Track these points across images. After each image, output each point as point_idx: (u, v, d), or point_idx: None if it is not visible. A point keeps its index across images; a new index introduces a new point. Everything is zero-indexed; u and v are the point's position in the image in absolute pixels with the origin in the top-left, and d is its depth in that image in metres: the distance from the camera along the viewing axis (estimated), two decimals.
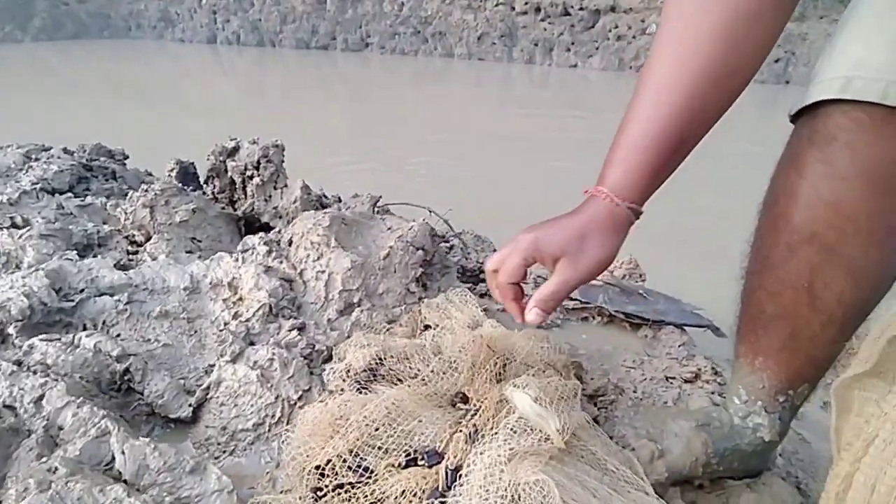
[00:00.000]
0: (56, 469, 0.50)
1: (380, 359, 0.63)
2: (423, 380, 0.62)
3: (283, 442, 0.65)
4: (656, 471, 0.64)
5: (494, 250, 1.53)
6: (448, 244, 1.42)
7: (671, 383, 1.01)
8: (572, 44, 6.95)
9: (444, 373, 0.64)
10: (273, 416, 0.66)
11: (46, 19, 8.25)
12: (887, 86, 0.46)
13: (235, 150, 1.20)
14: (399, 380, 0.62)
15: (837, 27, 0.54)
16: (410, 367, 0.63)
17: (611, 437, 0.72)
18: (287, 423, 0.66)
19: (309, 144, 3.35)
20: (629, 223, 0.57)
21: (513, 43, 7.17)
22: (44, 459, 0.52)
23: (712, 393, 0.98)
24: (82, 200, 1.19)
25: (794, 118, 0.57)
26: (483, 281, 1.35)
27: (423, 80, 6.41)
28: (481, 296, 1.28)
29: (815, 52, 5.70)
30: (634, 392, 0.93)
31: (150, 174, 1.64)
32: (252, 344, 0.76)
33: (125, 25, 8.57)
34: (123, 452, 0.53)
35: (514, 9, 7.05)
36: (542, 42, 7.03)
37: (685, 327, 1.22)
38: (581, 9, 6.80)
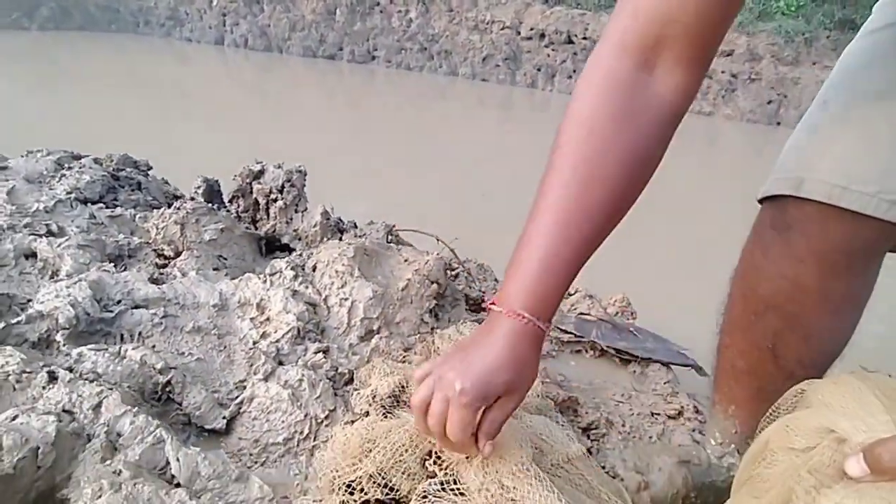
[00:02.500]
0: (120, 472, 0.57)
1: (402, 386, 0.71)
2: None
3: (312, 457, 0.72)
4: (642, 501, 0.72)
5: (496, 280, 1.61)
6: (454, 272, 1.50)
7: (656, 419, 1.10)
8: (574, 71, 7.14)
9: None
10: (302, 432, 0.73)
11: (55, 9, 8.29)
12: (831, 188, 0.57)
13: (261, 172, 1.27)
14: None
15: (800, 123, 0.65)
16: None
17: (602, 468, 0.80)
18: (314, 440, 0.73)
19: (312, 154, 3.42)
20: (542, 339, 0.56)
21: (516, 66, 7.34)
22: (107, 462, 0.59)
23: (693, 430, 1.07)
24: (112, 211, 1.26)
25: (761, 200, 0.67)
26: (485, 310, 1.44)
27: (427, 97, 6.54)
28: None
29: (806, 96, 5.94)
30: (623, 426, 1.01)
31: (167, 182, 1.71)
32: (281, 363, 0.83)
33: (133, 21, 8.63)
34: (178, 459, 0.60)
35: (519, 33, 7.24)
36: (545, 67, 7.21)
37: (671, 365, 1.31)
38: (584, 38, 7.00)
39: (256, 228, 1.29)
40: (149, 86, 5.45)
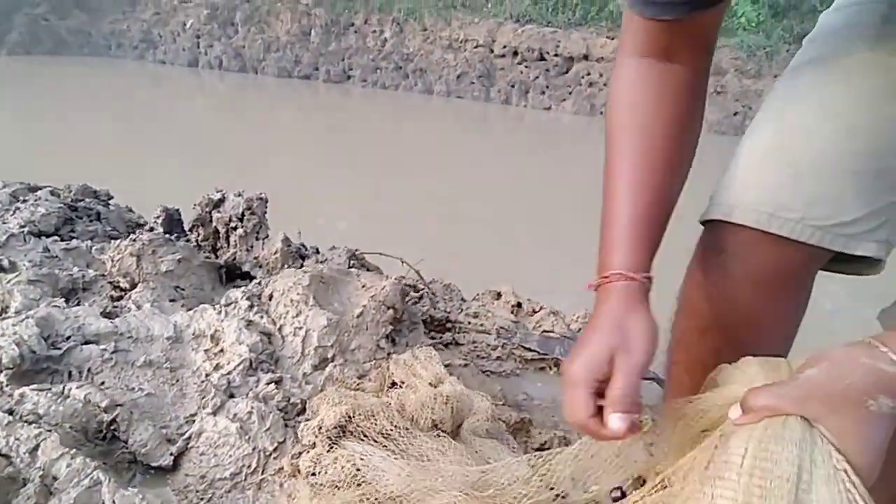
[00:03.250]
0: None
1: (349, 416, 0.71)
2: (387, 436, 0.70)
3: (259, 490, 0.71)
4: None
5: (463, 300, 1.63)
6: (418, 293, 1.51)
7: None
8: (547, 87, 7.29)
9: (408, 430, 0.72)
10: (249, 466, 0.73)
11: (24, 33, 8.20)
12: (759, 215, 0.60)
13: (221, 201, 1.27)
14: (365, 436, 0.70)
15: (736, 151, 0.68)
16: (376, 424, 0.71)
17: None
18: (262, 473, 0.73)
19: (289, 174, 3.42)
20: (646, 291, 0.57)
21: (490, 83, 7.46)
22: None
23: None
24: (67, 243, 1.24)
25: (702, 222, 0.70)
26: (449, 330, 1.45)
27: (404, 115, 6.60)
28: (447, 345, 1.37)
29: None
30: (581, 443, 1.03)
31: (131, 210, 1.69)
32: (232, 396, 0.83)
33: (105, 44, 8.57)
34: (114, 502, 0.59)
35: (492, 51, 7.37)
36: (519, 84, 7.34)
37: None
38: (556, 55, 7.16)
39: (217, 257, 1.28)
40: (121, 109, 5.41)
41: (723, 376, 0.55)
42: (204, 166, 3.31)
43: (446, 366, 1.03)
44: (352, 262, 1.32)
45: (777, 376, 0.48)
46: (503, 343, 1.40)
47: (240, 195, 1.28)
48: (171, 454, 0.75)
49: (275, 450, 0.74)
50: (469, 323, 1.46)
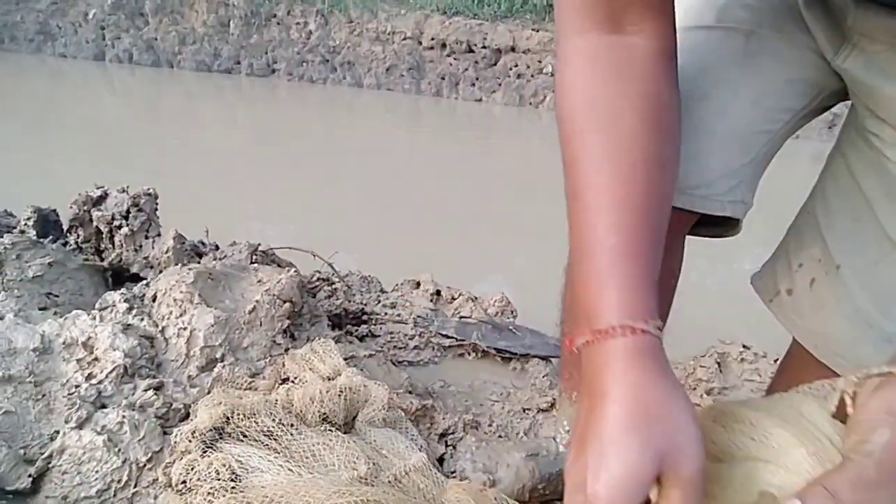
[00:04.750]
0: None
1: (227, 417, 0.67)
2: (270, 434, 0.66)
3: None
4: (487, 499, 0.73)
5: (382, 291, 1.60)
6: (332, 286, 1.47)
7: (527, 414, 1.13)
8: (477, 79, 7.34)
9: (293, 426, 0.69)
10: (119, 480, 0.67)
11: None
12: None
13: (102, 198, 1.17)
14: (245, 436, 0.66)
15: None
16: (257, 424, 0.67)
17: (453, 472, 0.80)
18: (135, 487, 0.67)
19: (209, 176, 3.24)
20: (662, 346, 0.39)
21: (421, 76, 7.42)
22: None
23: (564, 420, 1.11)
24: None
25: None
26: (365, 322, 1.41)
27: (333, 108, 6.44)
28: (362, 338, 1.34)
29: None
30: (490, 425, 1.03)
31: (11, 215, 1.53)
32: (104, 407, 0.76)
33: None
34: None
35: (420, 43, 7.33)
36: (449, 76, 7.35)
37: (550, 359, 1.36)
38: (483, 47, 7.22)
39: (102, 260, 1.18)
40: (15, 106, 4.92)
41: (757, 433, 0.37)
42: (119, 168, 3.05)
43: (351, 357, 1.00)
44: (255, 257, 1.26)
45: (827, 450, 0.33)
46: (420, 332, 1.39)
47: (124, 191, 1.18)
48: (30, 475, 0.68)
49: (149, 460, 0.69)
50: (385, 314, 1.43)
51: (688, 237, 0.69)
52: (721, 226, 0.67)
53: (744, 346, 1.50)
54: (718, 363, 1.45)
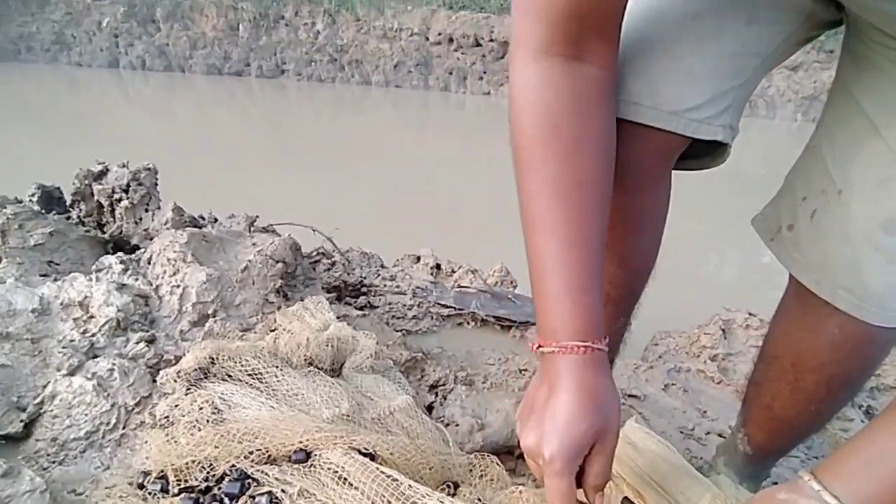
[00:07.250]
0: None
1: (212, 359, 0.67)
2: (255, 375, 0.67)
3: (119, 447, 0.67)
4: (474, 441, 0.72)
5: (382, 265, 1.60)
6: (331, 260, 1.47)
7: (524, 374, 1.12)
8: (484, 73, 7.32)
9: (278, 367, 0.69)
10: (108, 423, 0.68)
11: None
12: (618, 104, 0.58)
13: (103, 173, 1.19)
14: (230, 375, 0.66)
15: None
16: (242, 365, 0.67)
17: (441, 418, 0.80)
18: (123, 429, 0.68)
19: (224, 175, 3.29)
20: (606, 355, 0.52)
21: (428, 71, 7.42)
22: None
23: None
24: None
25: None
26: (364, 294, 1.41)
27: (342, 108, 6.48)
28: (361, 308, 1.34)
29: None
30: (484, 382, 1.02)
31: (20, 201, 1.57)
32: (95, 357, 0.77)
33: (14, 48, 7.97)
34: None
35: (428, 39, 7.33)
36: (457, 71, 7.34)
37: None
38: (491, 40, 7.20)
39: (104, 233, 1.20)
40: (37, 114, 5.05)
41: None
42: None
43: (344, 317, 1.00)
44: (252, 229, 1.27)
45: None
46: (419, 302, 1.38)
47: (124, 166, 1.20)
48: (22, 421, 0.69)
49: (137, 404, 0.70)
50: (385, 286, 1.43)
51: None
52: (707, 155, 0.66)
53: (749, 314, 1.47)
54: (723, 330, 1.42)
